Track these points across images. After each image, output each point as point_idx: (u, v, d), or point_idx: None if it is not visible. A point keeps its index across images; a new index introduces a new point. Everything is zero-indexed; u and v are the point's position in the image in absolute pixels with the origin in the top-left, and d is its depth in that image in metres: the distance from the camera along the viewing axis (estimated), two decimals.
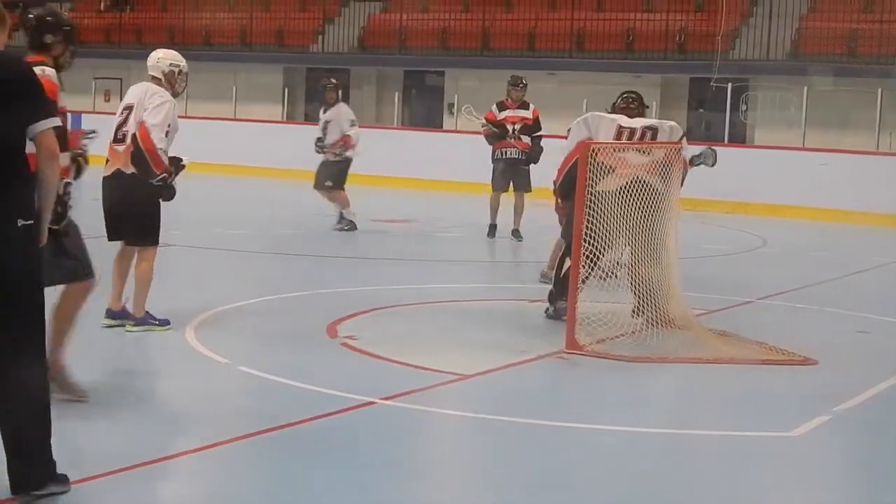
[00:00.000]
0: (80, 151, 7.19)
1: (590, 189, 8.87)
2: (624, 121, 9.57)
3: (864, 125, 22.15)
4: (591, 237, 8.90)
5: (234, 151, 24.88)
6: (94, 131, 7.44)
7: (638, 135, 9.48)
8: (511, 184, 15.41)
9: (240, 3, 31.17)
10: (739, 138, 23.98)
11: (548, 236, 12.31)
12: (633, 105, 10.06)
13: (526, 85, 15.50)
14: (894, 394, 7.94)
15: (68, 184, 6.53)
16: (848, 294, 12.23)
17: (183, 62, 8.86)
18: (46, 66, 6.58)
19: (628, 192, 9.10)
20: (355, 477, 5.63)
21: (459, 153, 20.73)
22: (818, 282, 12.81)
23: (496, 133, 15.24)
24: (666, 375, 8.26)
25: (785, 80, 23.66)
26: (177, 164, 8.48)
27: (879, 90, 21.67)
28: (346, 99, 28.31)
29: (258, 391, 7.26)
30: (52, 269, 6.54)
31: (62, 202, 6.41)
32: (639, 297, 9.29)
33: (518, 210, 15.33)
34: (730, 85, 22.71)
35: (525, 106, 15.35)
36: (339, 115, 16.04)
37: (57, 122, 5.02)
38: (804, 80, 22.58)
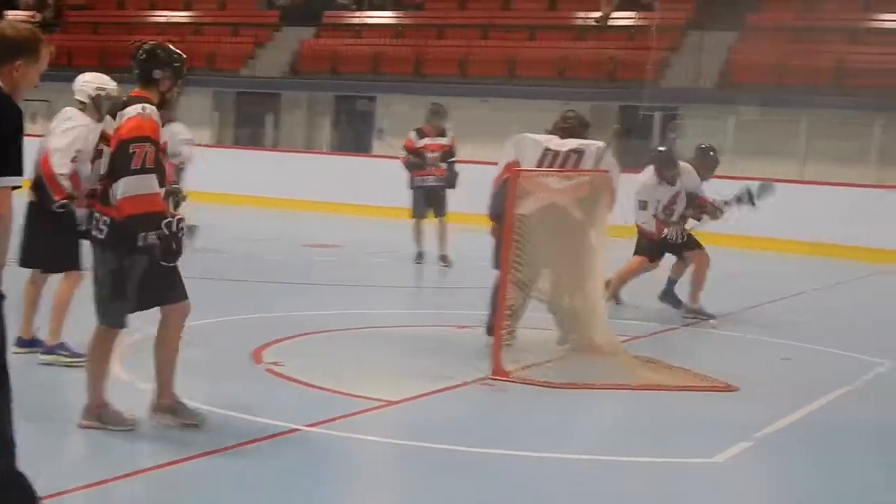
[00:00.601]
0: (176, 186, 7.10)
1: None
2: (554, 143, 9.56)
3: (790, 154, 22.45)
4: (514, 262, 8.94)
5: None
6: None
7: (561, 159, 9.48)
8: (431, 210, 15.54)
9: (171, 26, 31.03)
10: None
11: (479, 262, 12.29)
12: (566, 125, 10.06)
13: (447, 114, 15.72)
14: (814, 420, 8.04)
15: (180, 219, 6.44)
16: (771, 321, 12.35)
17: (111, 86, 8.59)
18: (149, 102, 6.61)
19: (543, 215, 9.12)
20: None
21: (389, 178, 20.73)
22: (743, 309, 12.94)
23: (416, 163, 15.39)
24: (592, 402, 8.29)
25: (713, 109, 23.94)
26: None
27: (805, 120, 22.00)
28: (277, 124, 28.49)
29: None
30: (167, 289, 6.54)
31: (176, 238, 6.35)
32: (561, 325, 9.33)
33: (442, 235, 15.42)
34: (659, 113, 22.94)
35: (443, 133, 15.55)
36: (172, 133, 16.00)
37: (18, 182, 4.46)
38: (732, 109, 22.87)
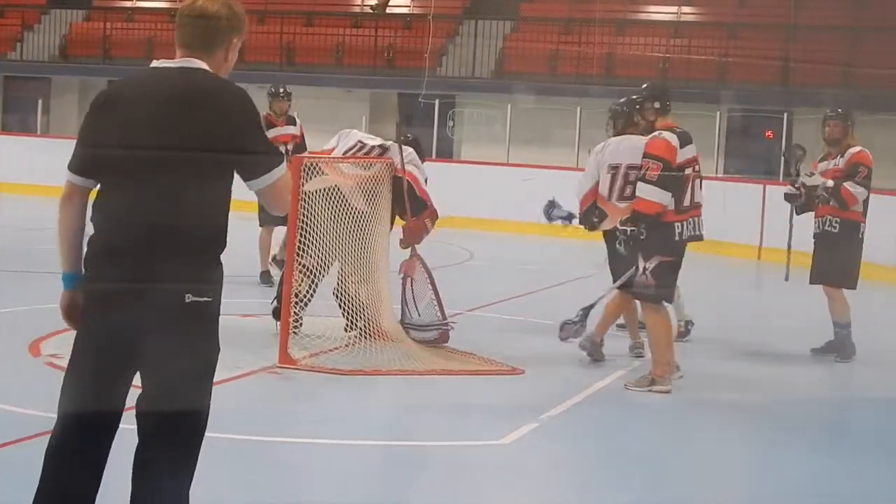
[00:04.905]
0: None
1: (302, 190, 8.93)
2: (368, 139, 9.76)
3: (565, 142, 22.98)
4: (303, 243, 8.92)
5: None
6: None
7: (366, 150, 9.62)
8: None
9: None
10: (447, 153, 24.50)
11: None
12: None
13: (290, 94, 13.22)
14: (596, 400, 8.27)
15: None
16: (552, 305, 12.60)
17: None
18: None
19: (324, 197, 9.13)
20: None
21: None
22: (524, 293, 13.17)
23: None
24: (381, 388, 8.33)
25: (490, 98, 24.33)
26: None
27: (578, 109, 22.54)
28: (46, 110, 27.52)
29: None
30: None
31: None
32: (347, 313, 9.35)
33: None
34: (437, 101, 23.16)
35: (292, 121, 13.01)
36: None
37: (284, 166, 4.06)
38: (508, 98, 23.26)
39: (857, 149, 10.05)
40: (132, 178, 3.93)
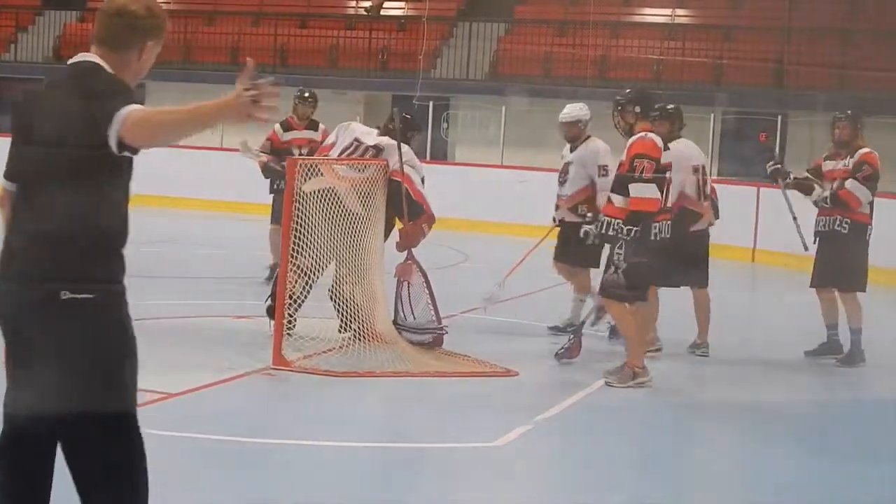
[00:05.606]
0: None
1: (297, 190, 8.91)
2: (366, 137, 9.67)
3: (559, 144, 22.92)
4: (298, 244, 8.91)
5: None
6: None
7: (361, 151, 9.57)
8: None
9: None
10: (440, 155, 24.49)
11: (258, 251, 12.08)
12: (389, 124, 9.98)
13: (316, 99, 13.11)
14: (589, 403, 8.27)
15: None
16: (545, 307, 12.60)
17: None
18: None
19: (320, 197, 9.12)
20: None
21: (178, 168, 20.18)
22: (518, 295, 13.14)
23: (276, 171, 12.03)
24: (374, 390, 8.32)
25: (484, 100, 24.32)
26: None
27: None
28: None
29: None
30: None
31: None
32: (341, 314, 9.35)
33: None
34: (431, 103, 23.16)
35: (314, 126, 12.78)
36: None
37: (140, 108, 3.70)
38: (502, 100, 23.26)
39: (867, 150, 10.03)
40: (18, 179, 3.93)
